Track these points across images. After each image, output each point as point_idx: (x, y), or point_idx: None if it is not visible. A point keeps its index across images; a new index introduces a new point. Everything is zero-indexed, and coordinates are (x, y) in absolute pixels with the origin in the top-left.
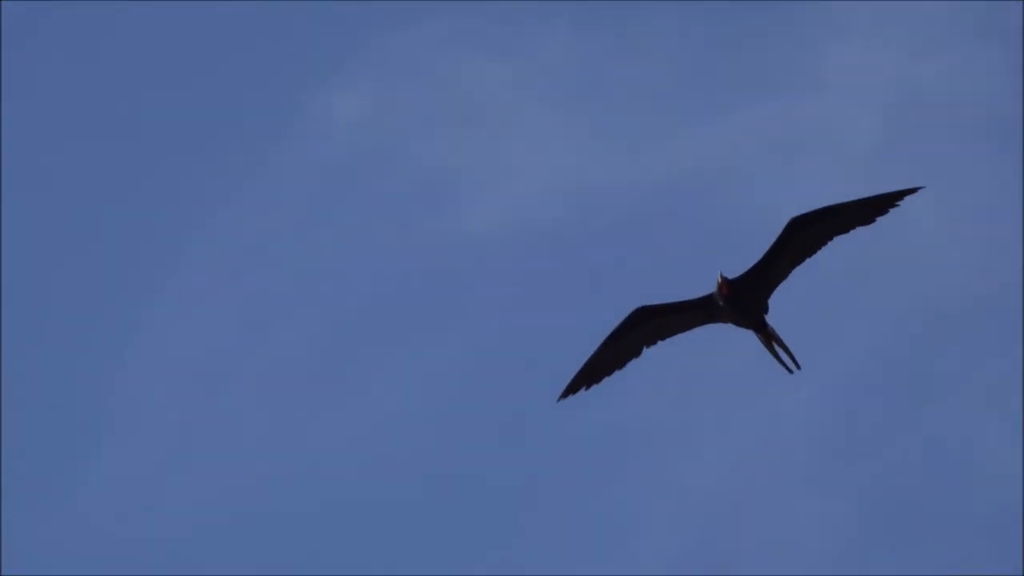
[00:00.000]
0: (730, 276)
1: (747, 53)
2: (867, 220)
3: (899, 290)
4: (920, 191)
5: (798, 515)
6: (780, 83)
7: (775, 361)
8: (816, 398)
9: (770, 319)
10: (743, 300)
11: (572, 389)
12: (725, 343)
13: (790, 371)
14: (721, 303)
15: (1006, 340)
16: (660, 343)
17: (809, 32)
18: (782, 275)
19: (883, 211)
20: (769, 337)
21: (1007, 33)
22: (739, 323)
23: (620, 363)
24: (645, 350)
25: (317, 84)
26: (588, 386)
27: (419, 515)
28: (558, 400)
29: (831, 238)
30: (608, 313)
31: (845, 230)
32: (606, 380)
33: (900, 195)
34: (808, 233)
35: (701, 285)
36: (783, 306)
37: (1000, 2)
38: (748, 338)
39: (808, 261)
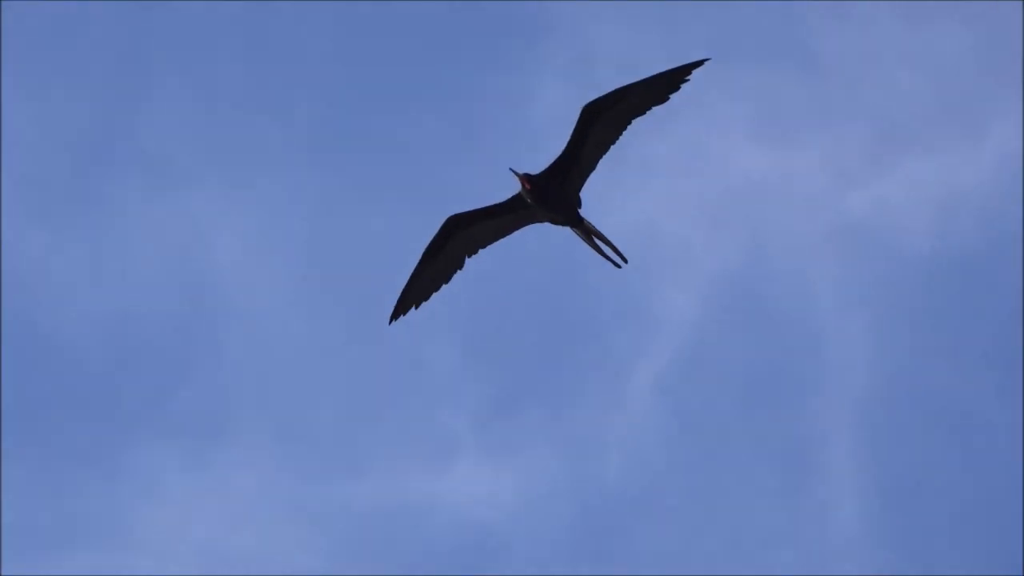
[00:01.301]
0: (533, 172)
1: None
2: (661, 98)
3: None
4: (706, 63)
5: None
6: None
7: (600, 257)
8: None
9: (588, 214)
10: (550, 196)
11: (401, 309)
12: None
13: (617, 265)
14: (529, 201)
15: None
16: (482, 251)
17: None
18: (588, 166)
19: (675, 87)
20: (588, 232)
21: None
22: (554, 221)
23: (446, 277)
24: (467, 260)
25: None
26: (417, 305)
27: None
28: (389, 323)
29: (629, 121)
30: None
31: (641, 111)
32: (434, 296)
33: (688, 69)
34: (605, 118)
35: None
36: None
37: None
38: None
39: (614, 149)
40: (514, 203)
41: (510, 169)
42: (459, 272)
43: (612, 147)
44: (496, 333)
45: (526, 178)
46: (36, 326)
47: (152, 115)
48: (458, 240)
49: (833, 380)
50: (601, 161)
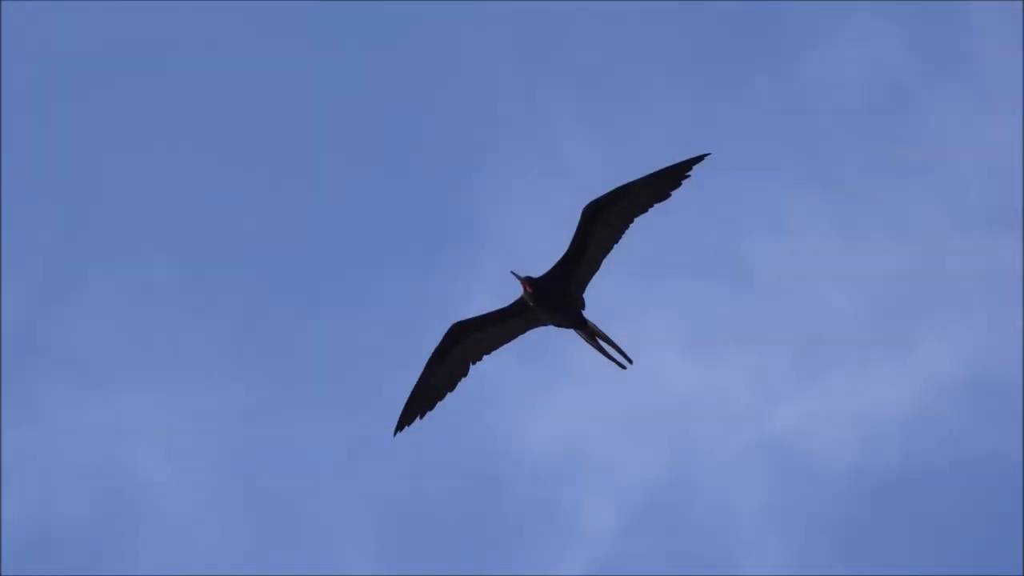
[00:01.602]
0: (535, 275)
1: None
2: (663, 195)
3: None
4: (707, 158)
5: None
6: None
7: (604, 359)
8: None
9: (592, 315)
10: (552, 298)
11: (407, 420)
12: None
13: (622, 367)
14: (531, 304)
15: None
16: (486, 357)
17: None
18: (591, 266)
19: (676, 183)
20: (592, 334)
21: None
22: (558, 323)
23: (450, 385)
24: (472, 367)
25: None
26: (422, 414)
27: None
28: (395, 433)
29: (631, 219)
30: None
31: (644, 208)
32: (439, 405)
33: (689, 164)
34: (606, 217)
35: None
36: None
37: None
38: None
39: (617, 249)
40: (517, 307)
41: (511, 272)
42: (464, 380)
43: (615, 246)
44: (413, 536)
45: (528, 281)
46: None
47: (80, 315)
48: (462, 347)
49: None
50: (603, 264)
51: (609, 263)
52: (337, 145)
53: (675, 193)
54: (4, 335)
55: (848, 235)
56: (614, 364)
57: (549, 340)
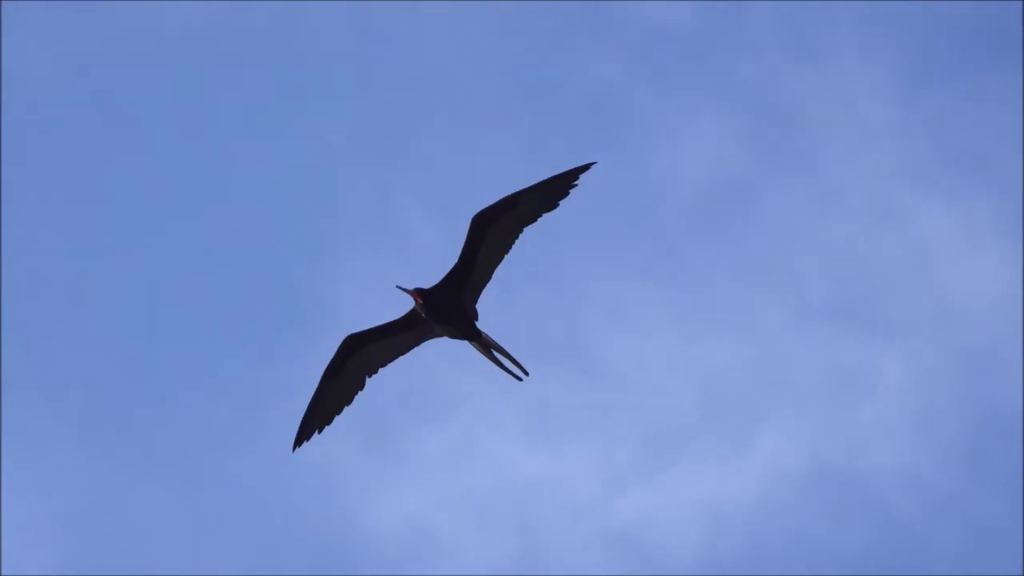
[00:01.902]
0: (426, 286)
1: None
2: (550, 205)
3: None
4: (593, 166)
5: None
6: None
7: (500, 370)
8: None
9: (488, 327)
10: (444, 309)
11: (304, 435)
12: None
13: (519, 378)
14: (423, 315)
15: None
16: (382, 370)
17: None
18: (482, 277)
19: (563, 193)
20: (486, 345)
21: None
22: (451, 335)
23: (348, 398)
24: (368, 380)
25: None
26: (320, 428)
27: None
28: (293, 449)
29: (520, 229)
30: None
31: (532, 218)
32: (336, 419)
33: (575, 173)
34: (495, 227)
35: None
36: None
37: None
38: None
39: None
40: (411, 319)
41: (397, 287)
42: (360, 392)
43: (505, 256)
44: None
45: (417, 292)
46: None
47: None
48: (357, 360)
49: None
50: (492, 278)
51: (454, 357)
52: (186, 230)
53: (522, 271)
54: None
55: (691, 328)
56: (511, 376)
57: (395, 424)
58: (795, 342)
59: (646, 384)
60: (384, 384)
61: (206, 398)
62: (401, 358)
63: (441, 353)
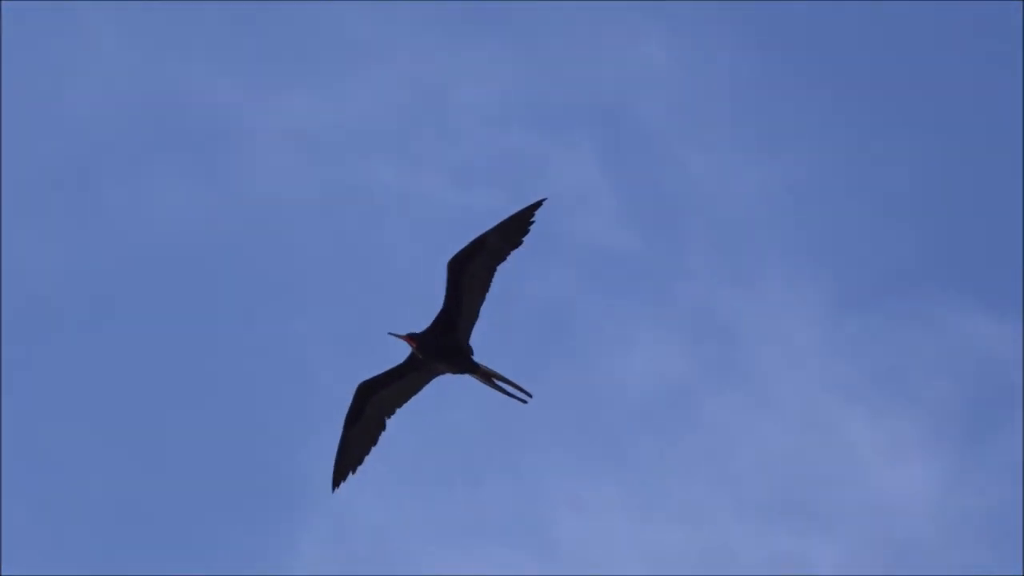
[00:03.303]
0: (417, 331)
1: None
2: (515, 242)
3: None
4: (544, 202)
5: None
6: None
7: (505, 396)
8: None
9: (484, 359)
10: (439, 350)
11: (340, 477)
12: None
13: (523, 401)
14: (420, 357)
15: None
16: (399, 411)
17: None
18: (470, 314)
19: (524, 230)
20: (486, 375)
21: None
22: (452, 371)
23: (372, 439)
24: (387, 421)
25: None
26: (354, 470)
27: None
28: (333, 491)
29: (494, 268)
30: None
31: (502, 257)
32: (367, 459)
33: (530, 211)
34: (471, 269)
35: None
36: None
37: None
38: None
39: (490, 296)
40: (413, 361)
41: (389, 333)
42: (383, 432)
43: (487, 294)
44: None
45: (410, 338)
46: None
47: None
48: (374, 404)
49: None
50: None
51: (428, 533)
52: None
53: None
54: None
55: (641, 517)
56: (515, 400)
57: None
58: (735, 531)
59: (601, 564)
60: (366, 554)
61: (203, 560)
62: (416, 396)
63: (418, 528)
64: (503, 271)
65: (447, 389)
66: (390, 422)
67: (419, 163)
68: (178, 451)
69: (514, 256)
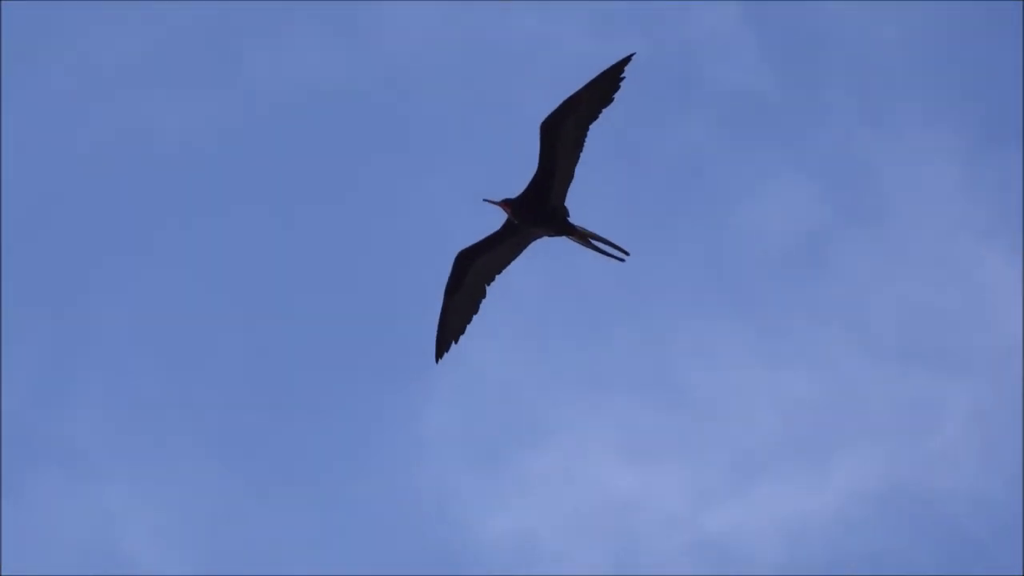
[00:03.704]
0: (512, 196)
1: None
2: (607, 99)
3: None
4: (633, 56)
5: None
6: None
7: (603, 256)
8: None
9: (581, 220)
10: (535, 213)
11: (443, 347)
12: None
13: (621, 260)
14: (517, 223)
15: None
16: (498, 277)
17: None
18: (564, 176)
19: (615, 86)
20: (583, 236)
21: None
22: (549, 233)
23: (474, 307)
24: (487, 288)
25: None
26: (456, 339)
27: None
28: (436, 361)
29: (586, 127)
30: None
31: (594, 116)
32: (468, 327)
33: (619, 67)
34: (563, 130)
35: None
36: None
37: None
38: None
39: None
40: (510, 227)
41: (484, 200)
42: (483, 300)
43: (580, 154)
44: None
45: (506, 203)
46: None
47: (72, 414)
48: (473, 272)
49: None
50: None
51: (556, 387)
52: (311, 278)
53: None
54: (3, 429)
55: (770, 362)
56: (613, 259)
57: (503, 449)
58: (867, 377)
59: (731, 412)
60: (493, 412)
61: (328, 421)
62: (516, 260)
63: (544, 382)
64: (638, 120)
65: (571, 244)
66: (490, 289)
67: (558, 12)
68: (309, 310)
69: (650, 102)
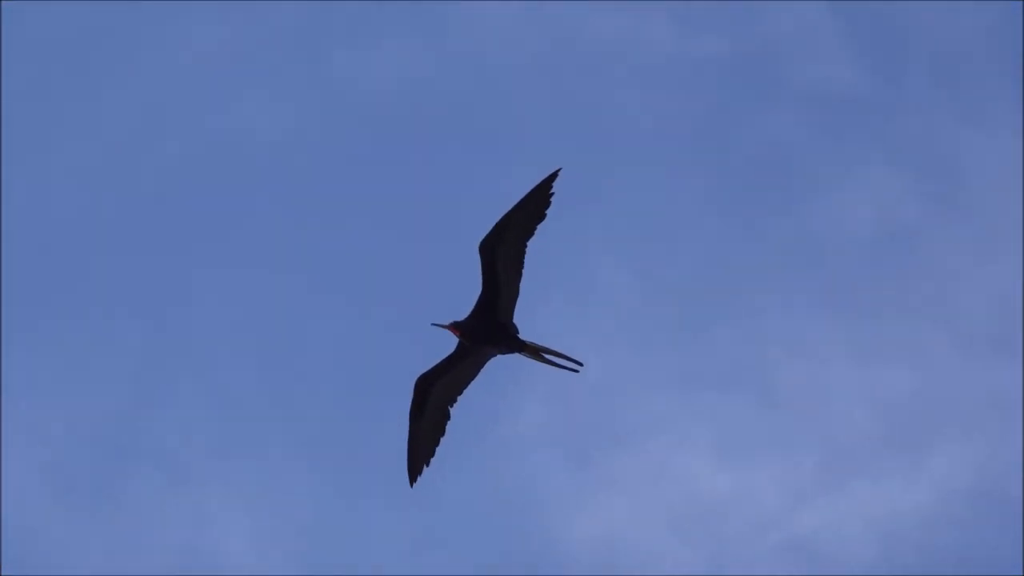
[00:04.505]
0: (460, 319)
1: None
2: (539, 216)
3: None
4: (559, 172)
5: None
6: None
7: (557, 369)
8: None
9: (530, 336)
10: (485, 333)
11: (416, 472)
12: None
13: (575, 371)
14: (468, 344)
15: None
16: (460, 398)
17: None
18: (510, 294)
19: (546, 203)
20: (535, 351)
21: None
22: (502, 352)
23: (441, 429)
24: (451, 409)
25: None
26: (427, 463)
27: None
28: (411, 486)
29: (524, 244)
30: None
31: (529, 232)
32: (438, 450)
33: (548, 183)
34: (501, 249)
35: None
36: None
37: None
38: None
39: (526, 273)
40: (463, 349)
41: (432, 324)
42: (449, 422)
43: (522, 271)
44: None
45: (455, 326)
46: None
47: (168, 417)
48: (434, 395)
49: None
50: (523, 287)
51: (648, 384)
52: (395, 272)
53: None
54: (99, 433)
55: (862, 358)
56: (567, 371)
57: (595, 447)
58: (960, 370)
59: (824, 408)
60: (587, 410)
61: None
62: (474, 382)
63: (638, 381)
64: (727, 115)
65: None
66: (453, 411)
67: (643, 11)
68: (405, 310)
69: (737, 98)
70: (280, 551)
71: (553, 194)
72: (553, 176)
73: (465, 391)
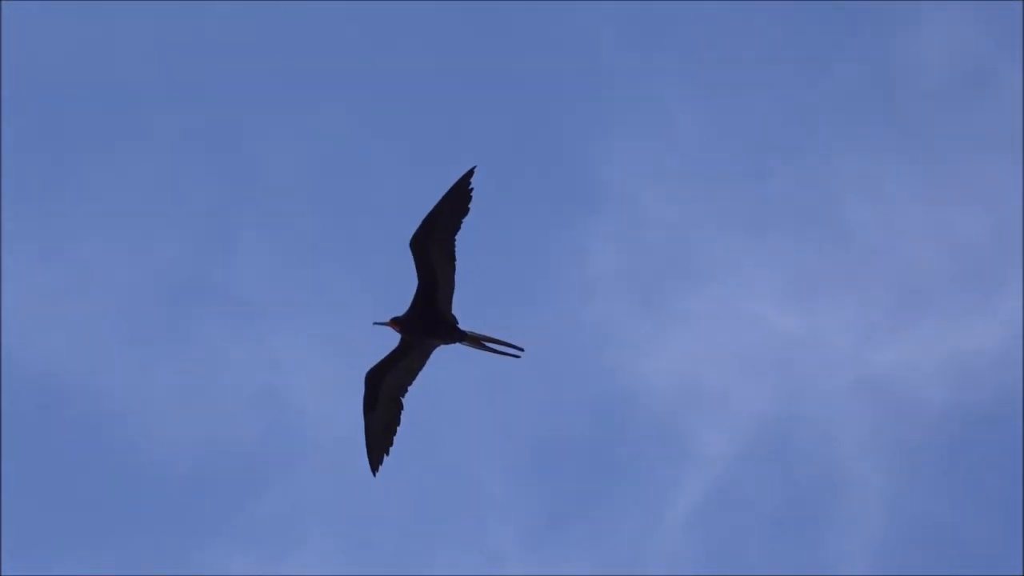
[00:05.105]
0: (399, 314)
1: None
2: (463, 211)
3: None
4: (475, 169)
5: None
6: None
7: (499, 356)
8: None
9: (470, 325)
10: (425, 326)
11: (377, 461)
12: None
13: (517, 356)
14: (408, 338)
15: None
16: (410, 388)
17: None
18: (446, 286)
19: (467, 198)
20: (475, 340)
21: None
22: (444, 342)
23: (396, 419)
24: (403, 400)
25: None
26: (387, 452)
27: None
28: (374, 474)
29: (452, 237)
30: None
31: (456, 226)
32: (395, 437)
33: (464, 182)
34: (430, 244)
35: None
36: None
37: None
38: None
39: (459, 264)
40: (406, 343)
41: (373, 323)
42: (402, 412)
43: (455, 263)
44: (546, 459)
45: (395, 322)
46: (126, 443)
47: (236, 262)
48: (384, 388)
49: (854, 519)
50: (458, 277)
51: (719, 226)
52: (463, 114)
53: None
54: (170, 278)
55: (934, 198)
56: (509, 357)
57: (665, 288)
58: None
59: (895, 249)
60: (656, 251)
61: (488, 268)
62: (422, 372)
63: (706, 222)
64: None
65: None
66: (405, 400)
67: None
68: (474, 152)
69: None
70: (346, 395)
71: (472, 189)
72: (470, 173)
73: (414, 382)
